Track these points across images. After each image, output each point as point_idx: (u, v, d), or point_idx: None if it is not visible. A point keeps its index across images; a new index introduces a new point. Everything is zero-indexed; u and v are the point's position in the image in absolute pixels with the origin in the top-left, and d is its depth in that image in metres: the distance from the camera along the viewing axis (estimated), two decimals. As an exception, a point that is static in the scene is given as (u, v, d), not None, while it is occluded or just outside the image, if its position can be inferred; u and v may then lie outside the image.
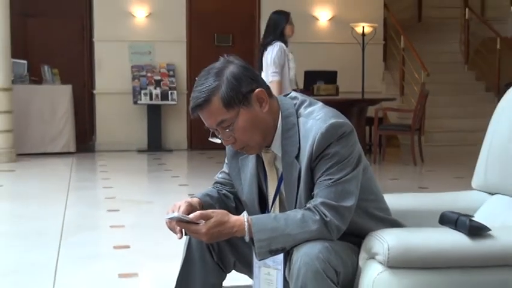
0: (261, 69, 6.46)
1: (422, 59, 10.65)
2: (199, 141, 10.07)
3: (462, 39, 12.64)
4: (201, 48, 10.46)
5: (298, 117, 2.14)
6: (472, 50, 12.63)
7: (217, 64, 2.13)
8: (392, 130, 9.91)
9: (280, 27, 6.58)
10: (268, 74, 6.26)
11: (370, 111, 9.95)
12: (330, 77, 10.18)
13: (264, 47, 6.46)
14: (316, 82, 10.01)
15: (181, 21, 10.85)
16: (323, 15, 11.33)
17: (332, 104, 2.30)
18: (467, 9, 12.42)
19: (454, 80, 11.60)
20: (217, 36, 10.95)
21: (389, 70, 11.87)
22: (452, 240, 1.97)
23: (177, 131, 10.63)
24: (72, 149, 9.85)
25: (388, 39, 11.91)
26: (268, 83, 6.02)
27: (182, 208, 2.13)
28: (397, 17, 11.98)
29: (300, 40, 11.12)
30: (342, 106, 9.39)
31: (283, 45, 6.42)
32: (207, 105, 2.07)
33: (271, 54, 6.31)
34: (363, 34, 10.43)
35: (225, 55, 2.17)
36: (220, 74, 2.08)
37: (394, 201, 2.50)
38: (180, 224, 2.07)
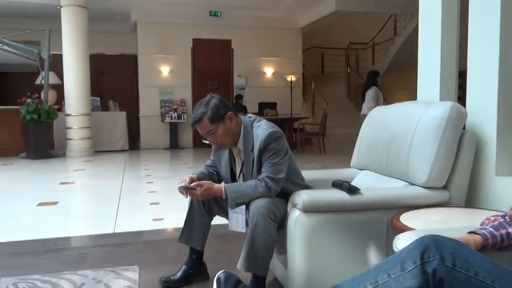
0: (363, 99, 6.94)
1: (324, 95, 10.74)
2: (199, 142, 9.97)
3: (346, 84, 12.79)
4: (200, 90, 10.39)
5: (252, 128, 2.13)
6: (352, 90, 12.77)
7: (206, 98, 2.11)
8: (308, 135, 9.98)
9: (374, 78, 6.94)
10: (369, 103, 6.65)
11: (296, 125, 10.01)
12: (273, 105, 10.21)
13: (365, 89, 6.90)
14: (265, 108, 10.02)
15: (188, 74, 10.76)
16: (268, 71, 11.34)
17: (274, 121, 2.29)
18: (348, 67, 12.57)
19: (341, 107, 11.71)
20: (209, 83, 10.84)
21: (306, 102, 11.93)
22: (339, 196, 1.97)
23: (186, 137, 10.52)
24: (126, 148, 9.66)
25: (305, 84, 11.98)
26: (369, 109, 6.48)
27: (187, 180, 2.11)
28: (310, 71, 12.06)
29: (256, 85, 11.16)
30: (280, 122, 9.47)
31: (377, 88, 6.83)
32: (200, 122, 2.05)
33: (371, 93, 6.77)
34: (291, 81, 10.47)
35: (210, 94, 2.15)
36: (208, 104, 2.07)
37: (309, 174, 2.49)
38: (185, 190, 2.05)
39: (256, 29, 10.91)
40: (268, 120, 2.20)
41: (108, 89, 11.02)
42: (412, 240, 1.10)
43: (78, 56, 8.48)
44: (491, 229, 1.23)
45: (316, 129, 9.45)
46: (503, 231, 1.23)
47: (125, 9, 9.97)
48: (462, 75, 2.35)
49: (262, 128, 2.08)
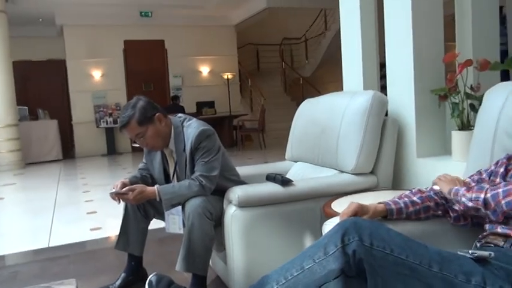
0: None
1: (261, 91, 10.84)
2: (136, 147, 9.72)
3: (282, 79, 12.99)
4: (135, 92, 9.87)
5: (182, 128, 2.11)
6: (288, 84, 12.98)
7: (132, 100, 2.07)
8: (248, 131, 10.03)
9: None
10: None
11: (235, 122, 10.04)
12: (211, 104, 10.19)
13: None
14: (203, 107, 9.97)
15: (122, 77, 10.45)
16: (204, 70, 11.26)
17: (213, 119, 2.30)
18: (283, 62, 12.77)
19: (279, 101, 11.83)
20: (144, 84, 10.58)
21: (244, 98, 11.96)
22: (273, 188, 2.01)
23: (124, 141, 10.17)
24: (61, 157, 9.22)
25: (242, 81, 12.01)
26: None
27: (118, 185, 2.06)
28: (246, 68, 12.11)
29: (192, 85, 11.05)
30: (219, 120, 9.46)
31: None
32: (128, 125, 2.01)
33: None
34: (228, 79, 10.49)
35: (137, 96, 2.11)
36: (134, 106, 2.03)
37: (245, 170, 2.51)
38: (118, 196, 2.00)
39: (189, 28, 10.79)
40: (207, 119, 2.20)
41: (36, 97, 10.46)
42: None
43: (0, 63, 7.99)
44: (396, 198, 1.37)
45: (255, 125, 9.52)
46: (406, 199, 1.37)
47: (49, 13, 9.48)
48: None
49: (192, 127, 2.07)
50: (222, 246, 2.08)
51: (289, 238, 2.02)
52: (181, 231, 2.08)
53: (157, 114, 2.05)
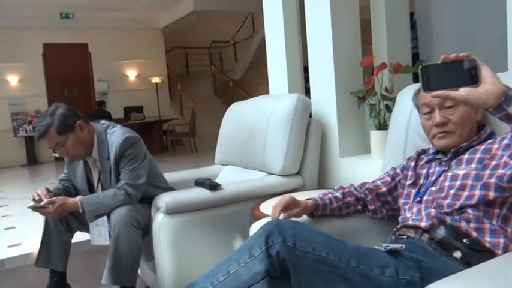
0: None
1: (191, 95, 10.74)
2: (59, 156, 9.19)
3: (212, 82, 12.96)
4: (57, 99, 9.22)
5: (106, 135, 2.04)
6: (218, 87, 12.97)
7: (51, 108, 1.97)
8: (178, 136, 9.89)
9: None
10: None
11: (165, 126, 9.87)
12: (139, 109, 9.92)
13: None
14: (131, 113, 9.68)
15: (41, 83, 9.87)
16: (131, 74, 10.95)
17: (142, 124, 2.23)
18: (212, 66, 12.74)
19: (209, 105, 11.73)
20: (67, 90, 10.04)
21: (173, 102, 11.77)
22: (201, 194, 1.99)
23: (46, 151, 9.55)
24: (-26, 170, 8.55)
25: (171, 85, 11.82)
26: None
27: (39, 194, 1.94)
28: (175, 72, 11.94)
29: (119, 89, 10.69)
30: (148, 125, 9.25)
31: None
32: (45, 135, 1.90)
33: None
34: (156, 83, 10.29)
35: (55, 103, 2.00)
36: (53, 114, 1.92)
37: (174, 176, 2.48)
38: (36, 210, 1.89)
39: (114, 31, 10.43)
40: (135, 124, 2.15)
41: None
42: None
43: None
44: (321, 195, 1.47)
45: (186, 129, 9.41)
46: (330, 195, 1.47)
47: (-45, 13, 8.73)
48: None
49: (116, 135, 2.00)
50: (151, 256, 2.03)
51: (219, 243, 2.02)
52: (107, 243, 2.00)
53: (78, 121, 1.95)
